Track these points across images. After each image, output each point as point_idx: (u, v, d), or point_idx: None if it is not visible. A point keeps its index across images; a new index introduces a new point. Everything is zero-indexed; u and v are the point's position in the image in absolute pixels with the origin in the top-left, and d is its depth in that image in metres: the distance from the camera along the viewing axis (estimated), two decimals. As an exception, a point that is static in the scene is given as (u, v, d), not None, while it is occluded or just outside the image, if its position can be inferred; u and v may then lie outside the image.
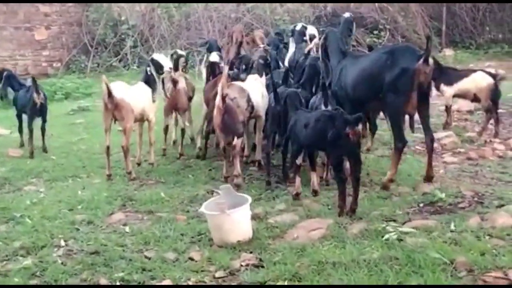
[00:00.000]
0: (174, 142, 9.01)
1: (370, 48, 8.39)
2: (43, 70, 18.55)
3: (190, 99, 8.93)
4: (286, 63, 8.91)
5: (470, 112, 10.08)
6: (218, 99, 6.90)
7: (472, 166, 7.18)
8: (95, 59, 18.89)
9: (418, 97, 6.15)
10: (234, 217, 5.14)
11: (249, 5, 17.46)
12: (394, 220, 5.34)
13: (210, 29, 17.42)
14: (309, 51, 8.39)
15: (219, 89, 6.83)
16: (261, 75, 7.62)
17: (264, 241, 5.15)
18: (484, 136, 8.43)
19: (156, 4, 18.63)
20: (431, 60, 6.20)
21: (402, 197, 6.00)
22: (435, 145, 7.65)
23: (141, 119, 7.87)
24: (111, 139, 7.55)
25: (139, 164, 8.03)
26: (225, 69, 7.12)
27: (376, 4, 16.46)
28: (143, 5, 19.04)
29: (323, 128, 5.61)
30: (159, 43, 18.36)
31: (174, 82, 8.32)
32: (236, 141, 6.98)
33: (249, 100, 7.17)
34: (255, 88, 7.42)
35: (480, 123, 9.20)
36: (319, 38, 7.72)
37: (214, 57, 8.48)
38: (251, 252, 4.95)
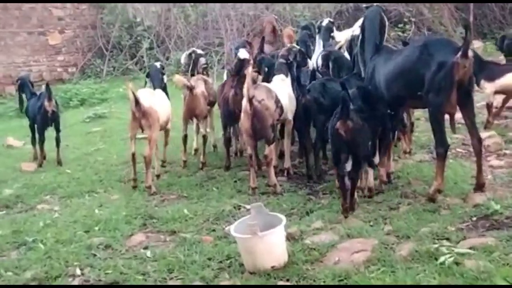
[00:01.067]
0: (196, 151, 8.43)
1: (405, 44, 7.74)
2: (58, 76, 18.12)
3: (211, 104, 8.37)
4: (314, 62, 8.31)
5: (509, 108, 9.39)
6: (244, 102, 6.39)
7: (522, 169, 6.54)
8: (110, 62, 18.40)
9: (459, 94, 5.53)
10: (267, 240, 4.59)
11: (268, 2, 16.83)
12: (447, 239, 4.74)
13: (228, 28, 16.83)
14: (339, 49, 7.83)
15: (245, 90, 6.33)
16: (286, 75, 7.05)
17: (301, 266, 4.60)
18: (529, 136, 7.79)
19: (172, 4, 18.07)
20: (470, 53, 5.48)
21: (452, 210, 5.38)
22: None
23: (164, 128, 7.68)
24: (135, 148, 7.21)
25: (158, 176, 7.55)
26: (249, 68, 6.53)
27: (400, -4, 15.82)
28: (158, 5, 18.51)
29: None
30: (176, 44, 17.82)
31: (189, 88, 7.77)
32: (268, 149, 6.49)
33: (277, 101, 6.63)
34: (282, 89, 6.87)
35: (522, 121, 8.58)
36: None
37: (243, 53, 7.81)
38: (287, 280, 4.43)
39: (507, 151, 7.25)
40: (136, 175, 7.27)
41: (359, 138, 5.53)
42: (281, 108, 6.66)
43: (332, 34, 8.92)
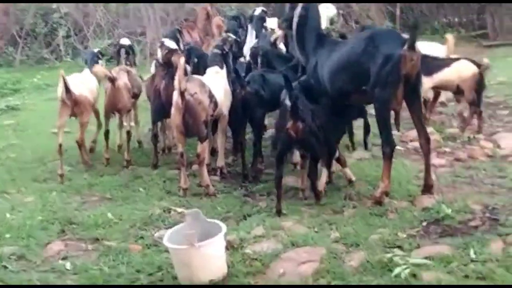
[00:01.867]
0: (119, 147, 7.78)
1: (342, 37, 7.35)
2: (-34, 64, 16.84)
3: (135, 96, 7.74)
4: (247, 53, 7.85)
5: (442, 104, 9.21)
6: (175, 95, 5.84)
7: (465, 169, 6.27)
8: (24, 51, 17.23)
9: (406, 89, 5.22)
10: (205, 251, 4.11)
11: (193, -11, 16.24)
12: (399, 247, 4.38)
13: (150, 17, 16.12)
14: (275, 40, 7.40)
15: (176, 82, 5.80)
16: (221, 67, 6.53)
17: (242, 279, 4.17)
18: (467, 132, 7.57)
19: (91, -11, 17.17)
20: (417, 46, 5.19)
21: (400, 213, 5.03)
22: (415, 145, 6.85)
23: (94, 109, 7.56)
24: (62, 139, 6.95)
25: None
26: (181, 59, 5.97)
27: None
28: (75, -8, 17.55)
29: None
30: (95, 32, 16.96)
31: (111, 80, 7.15)
32: (201, 147, 5.99)
33: (211, 95, 6.10)
34: (217, 82, 6.35)
35: (456, 116, 8.38)
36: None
37: (170, 43, 7.25)
38: (228, 296, 3.95)
39: (447, 149, 7.02)
40: (63, 170, 6.88)
41: (312, 138, 5.28)
42: (215, 103, 6.15)
43: (265, 24, 8.52)
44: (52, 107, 10.26)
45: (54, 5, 17.30)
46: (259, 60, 6.96)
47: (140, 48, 15.94)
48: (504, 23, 15.83)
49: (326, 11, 8.62)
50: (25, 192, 6.52)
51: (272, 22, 8.74)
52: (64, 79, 6.69)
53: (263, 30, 8.41)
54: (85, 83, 7.29)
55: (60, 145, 6.83)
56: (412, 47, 5.07)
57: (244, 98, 6.27)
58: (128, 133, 7.35)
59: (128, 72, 7.57)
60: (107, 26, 16.86)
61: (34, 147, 8.35)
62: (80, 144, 7.21)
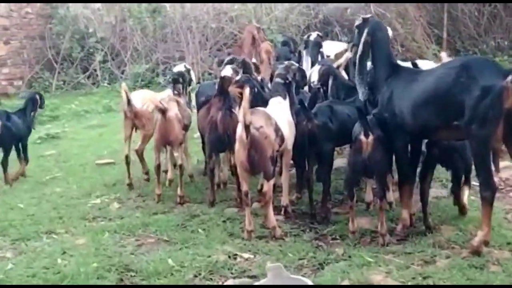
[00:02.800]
0: (171, 182, 7.29)
1: (414, 65, 6.81)
2: (3, 90, 16.48)
3: (186, 128, 7.28)
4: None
5: None
6: (239, 129, 5.36)
7: None
8: (60, 76, 16.91)
9: (505, 126, 4.60)
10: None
11: (233, 14, 15.85)
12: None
13: (189, 41, 15.75)
14: (338, 67, 6.90)
15: (240, 115, 5.33)
16: (284, 97, 6.04)
17: None
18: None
19: (128, 14, 16.84)
20: None
21: (504, 266, 4.46)
22: (496, 180, 6.23)
23: None
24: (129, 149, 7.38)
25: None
26: (247, 90, 5.46)
27: (373, 10, 15.03)
28: (112, 15, 17.26)
29: None
30: (132, 57, 16.60)
31: (162, 111, 6.70)
32: (267, 185, 5.49)
33: (277, 129, 5.61)
34: (281, 114, 5.86)
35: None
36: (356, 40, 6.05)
37: (226, 70, 6.85)
38: None
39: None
40: (131, 178, 7.37)
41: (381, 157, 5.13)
42: (281, 137, 5.64)
43: (321, 49, 8.04)
44: (93, 135, 9.91)
45: (91, 29, 17.01)
46: (330, 82, 6.44)
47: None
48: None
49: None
50: (75, 233, 6.03)
51: (328, 47, 8.28)
52: (126, 92, 6.95)
53: (319, 57, 7.92)
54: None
55: (127, 156, 7.31)
56: None
57: (311, 131, 5.76)
58: (181, 167, 6.87)
59: (178, 102, 7.10)
60: (144, 51, 16.50)
61: (79, 181, 7.91)
62: (139, 155, 7.36)
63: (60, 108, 13.81)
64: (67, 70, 17.09)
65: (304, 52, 8.23)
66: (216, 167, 6.87)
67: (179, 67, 8.13)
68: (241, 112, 5.30)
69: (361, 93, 5.73)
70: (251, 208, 5.95)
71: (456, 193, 5.65)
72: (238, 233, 5.69)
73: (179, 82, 7.61)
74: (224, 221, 6.04)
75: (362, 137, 5.04)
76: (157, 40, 16.57)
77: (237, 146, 5.44)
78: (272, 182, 5.54)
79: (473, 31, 16.15)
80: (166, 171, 7.36)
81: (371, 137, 5.06)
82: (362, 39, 5.63)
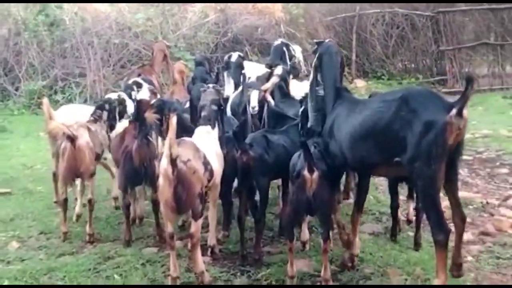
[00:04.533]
0: (78, 217, 6.51)
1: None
2: None
3: (98, 157, 6.50)
4: (228, 108, 6.80)
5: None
6: (164, 163, 4.68)
7: (501, 247, 5.41)
8: None
9: (449, 160, 4.24)
10: None
11: (138, 29, 15.08)
12: None
13: (91, 57, 14.85)
14: (265, 92, 6.38)
15: (166, 147, 4.63)
16: (213, 126, 5.43)
17: None
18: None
19: (23, 27, 15.68)
20: (465, 112, 4.14)
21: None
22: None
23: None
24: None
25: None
26: (174, 118, 4.80)
27: (283, 30, 14.76)
28: (6, 29, 16.05)
29: None
30: (27, 73, 15.46)
31: (70, 139, 5.92)
32: (195, 225, 4.84)
33: (206, 162, 4.98)
34: (209, 145, 5.24)
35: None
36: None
37: (144, 93, 6.22)
38: None
39: (468, 219, 6.09)
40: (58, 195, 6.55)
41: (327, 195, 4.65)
42: (210, 171, 5.02)
43: (243, 71, 7.51)
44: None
45: (-20, 43, 15.76)
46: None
47: (79, 90, 14.65)
48: (463, 69, 15.50)
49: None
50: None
51: (249, 69, 7.77)
52: (47, 108, 6.12)
53: (241, 79, 7.38)
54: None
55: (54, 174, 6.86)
56: (460, 113, 4.09)
57: (246, 164, 5.18)
58: (90, 201, 6.11)
59: (89, 129, 6.33)
60: (41, 66, 15.39)
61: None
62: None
63: None
64: (-45, 86, 15.67)
65: (225, 74, 7.67)
66: (132, 202, 6.17)
67: (112, 95, 7.25)
68: (167, 143, 4.64)
69: (311, 117, 5.34)
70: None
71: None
72: (160, 279, 5.04)
73: (104, 108, 6.78)
74: (143, 264, 5.35)
75: (306, 173, 4.53)
76: (55, 55, 15.53)
77: (161, 182, 4.77)
78: (200, 221, 4.90)
79: (381, 53, 16.25)
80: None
81: (316, 173, 4.55)
82: (313, 63, 5.36)
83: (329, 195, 4.68)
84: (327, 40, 5.49)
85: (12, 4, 16.15)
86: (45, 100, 6.28)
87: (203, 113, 5.39)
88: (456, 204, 4.50)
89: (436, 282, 4.26)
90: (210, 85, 5.78)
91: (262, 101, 6.24)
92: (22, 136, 12.13)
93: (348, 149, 4.72)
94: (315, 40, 5.73)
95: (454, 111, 4.08)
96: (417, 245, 5.45)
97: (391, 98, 4.53)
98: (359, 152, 4.65)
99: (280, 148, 5.31)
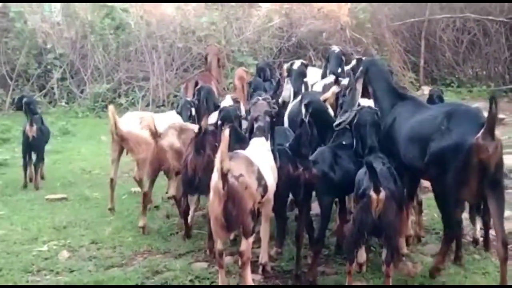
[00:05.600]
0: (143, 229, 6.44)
1: (431, 98, 6.64)
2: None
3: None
4: (286, 118, 6.56)
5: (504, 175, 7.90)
6: (215, 177, 4.49)
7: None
8: (14, 93, 15.64)
9: (481, 181, 4.48)
10: None
11: (201, 33, 15.00)
12: None
13: (154, 61, 14.87)
14: (324, 101, 6.08)
15: (217, 161, 4.41)
16: (267, 138, 5.16)
17: None
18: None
19: (89, 30, 15.84)
20: (498, 132, 4.49)
21: None
22: None
23: None
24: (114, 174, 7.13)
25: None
26: (226, 131, 4.58)
27: (349, 35, 14.42)
28: (73, 31, 16.23)
29: None
30: (93, 76, 15.60)
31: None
32: (246, 243, 4.62)
33: (260, 177, 4.73)
34: (264, 159, 4.97)
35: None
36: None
37: (227, 101, 6.27)
38: None
39: None
40: (113, 203, 7.08)
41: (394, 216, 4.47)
42: (264, 187, 4.76)
43: (305, 79, 7.25)
44: (45, 163, 8.92)
45: (49, 45, 15.92)
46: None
47: (142, 94, 14.69)
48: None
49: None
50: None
51: (312, 75, 7.52)
52: (113, 115, 6.62)
53: (303, 88, 7.12)
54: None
55: (112, 179, 7.04)
56: (490, 134, 4.36)
57: (309, 181, 4.94)
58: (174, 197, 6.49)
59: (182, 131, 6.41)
60: (106, 69, 15.51)
61: (25, 221, 6.88)
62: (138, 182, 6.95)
63: (11, 130, 12.55)
64: (22, 87, 15.84)
65: (286, 81, 7.42)
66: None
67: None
68: (218, 157, 4.42)
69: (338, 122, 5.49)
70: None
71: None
72: (210, 297, 4.82)
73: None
74: (191, 280, 5.14)
75: (372, 193, 4.28)
76: (119, 59, 15.60)
77: (211, 197, 4.57)
78: (251, 239, 4.67)
79: (451, 59, 15.69)
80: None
81: (382, 193, 4.27)
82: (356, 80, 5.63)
83: (396, 216, 4.40)
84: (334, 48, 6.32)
85: (79, 7, 16.36)
86: (111, 107, 6.78)
87: (256, 124, 5.14)
88: (498, 225, 4.59)
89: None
90: (260, 97, 5.53)
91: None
92: (85, 139, 12.19)
93: (403, 150, 5.03)
94: (357, 56, 6.19)
95: (481, 132, 4.34)
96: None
97: (441, 110, 4.92)
98: (409, 154, 4.95)
99: (348, 165, 5.04)
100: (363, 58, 6.00)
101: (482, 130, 4.35)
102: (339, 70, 7.34)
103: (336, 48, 7.61)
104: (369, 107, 5.17)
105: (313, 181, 4.93)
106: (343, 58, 7.59)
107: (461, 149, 4.45)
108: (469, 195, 4.69)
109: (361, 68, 5.66)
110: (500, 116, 12.45)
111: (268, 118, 5.15)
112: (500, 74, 16.15)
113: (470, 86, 15.41)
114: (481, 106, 13.77)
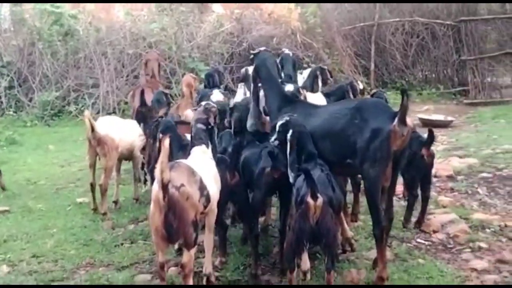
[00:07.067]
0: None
1: (327, 95, 6.99)
2: None
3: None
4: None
5: (450, 177, 8.02)
6: (155, 188, 4.37)
7: (520, 278, 5.02)
8: (-41, 102, 15.42)
9: (396, 165, 4.87)
10: None
11: (152, 39, 14.83)
12: None
13: (104, 68, 14.66)
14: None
15: (157, 171, 4.28)
16: (207, 145, 5.09)
17: None
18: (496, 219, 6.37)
19: (37, 37, 15.55)
20: (409, 120, 4.74)
21: None
22: (443, 237, 5.94)
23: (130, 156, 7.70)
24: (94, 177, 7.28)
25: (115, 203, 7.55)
26: (166, 140, 4.48)
27: (299, 40, 14.44)
28: (20, 39, 15.95)
29: None
30: (41, 83, 15.33)
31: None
32: (188, 255, 4.50)
33: (202, 187, 4.64)
34: (206, 167, 4.90)
35: (471, 193, 7.24)
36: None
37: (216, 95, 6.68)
38: None
39: (482, 244, 5.74)
40: (96, 204, 7.27)
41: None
42: (207, 197, 4.68)
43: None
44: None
45: (-5, 54, 15.64)
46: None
47: (92, 101, 14.46)
48: (485, 79, 15.03)
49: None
50: None
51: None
52: (89, 120, 6.81)
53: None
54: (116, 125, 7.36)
55: (92, 184, 7.24)
56: (403, 121, 4.64)
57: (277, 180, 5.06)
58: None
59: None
60: (54, 77, 15.25)
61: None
62: (102, 190, 7.06)
63: (-42, 142, 12.30)
64: (-32, 96, 15.53)
65: (239, 85, 7.39)
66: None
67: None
68: (158, 167, 4.32)
69: (249, 125, 5.78)
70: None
71: None
72: (152, 311, 4.71)
73: None
74: (135, 293, 5.04)
75: (310, 199, 4.25)
76: (68, 66, 15.40)
77: (152, 208, 4.46)
78: (193, 251, 4.56)
79: (401, 63, 15.87)
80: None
81: (320, 200, 4.24)
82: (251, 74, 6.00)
83: (334, 223, 4.38)
84: (262, 49, 6.08)
85: (27, 14, 16.06)
86: (87, 112, 7.02)
87: (192, 133, 5.08)
88: (389, 204, 5.02)
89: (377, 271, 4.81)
90: (202, 103, 5.45)
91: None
92: (32, 148, 11.93)
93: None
94: (252, 51, 6.15)
95: (396, 120, 4.60)
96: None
97: (347, 107, 5.05)
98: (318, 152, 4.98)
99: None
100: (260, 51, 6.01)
101: (397, 118, 4.61)
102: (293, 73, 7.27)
103: (288, 51, 7.54)
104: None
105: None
106: (318, 73, 7.56)
107: (382, 135, 4.65)
108: (386, 182, 4.88)
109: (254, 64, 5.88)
110: (449, 118, 12.66)
111: (200, 125, 5.07)
112: (449, 77, 16.43)
113: (420, 89, 15.61)
114: (432, 108, 14.09)
